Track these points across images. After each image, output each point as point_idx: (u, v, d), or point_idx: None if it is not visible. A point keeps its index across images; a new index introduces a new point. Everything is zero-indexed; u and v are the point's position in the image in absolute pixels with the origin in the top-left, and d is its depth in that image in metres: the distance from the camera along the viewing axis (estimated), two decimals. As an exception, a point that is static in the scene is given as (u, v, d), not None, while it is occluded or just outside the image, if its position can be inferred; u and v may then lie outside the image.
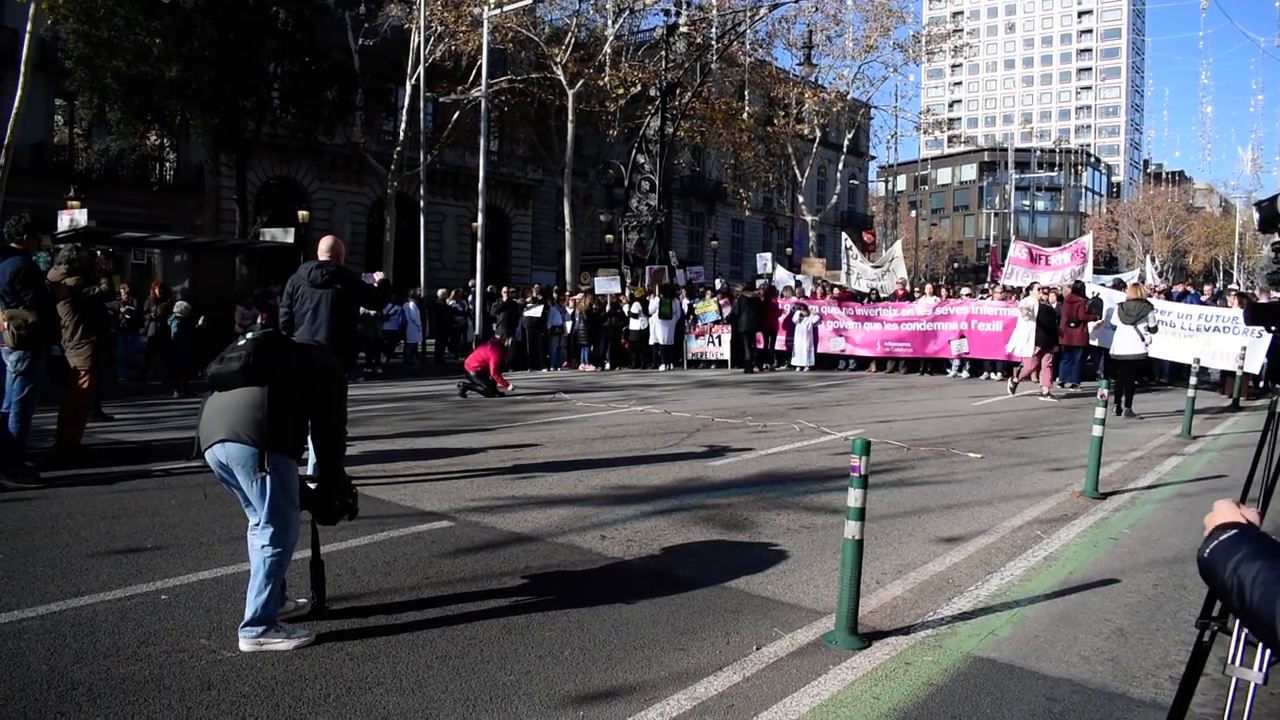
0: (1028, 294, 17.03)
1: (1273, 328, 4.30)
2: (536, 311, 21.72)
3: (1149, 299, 12.61)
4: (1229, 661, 2.39)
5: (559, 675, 3.93)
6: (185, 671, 3.85)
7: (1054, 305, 15.90)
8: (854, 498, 4.35)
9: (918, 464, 8.94)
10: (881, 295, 21.74)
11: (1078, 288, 17.08)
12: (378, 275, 9.97)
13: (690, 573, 5.39)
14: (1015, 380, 15.84)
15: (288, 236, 21.43)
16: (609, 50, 30.21)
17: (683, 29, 29.20)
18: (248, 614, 4.08)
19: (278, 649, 4.07)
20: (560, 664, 4.04)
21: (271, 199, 32.24)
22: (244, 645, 4.07)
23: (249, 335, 4.10)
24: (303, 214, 30.15)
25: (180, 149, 29.67)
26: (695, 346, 21.82)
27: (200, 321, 15.26)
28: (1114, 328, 13.05)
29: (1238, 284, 55.02)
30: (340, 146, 31.05)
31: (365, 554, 5.57)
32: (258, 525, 4.16)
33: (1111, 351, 12.93)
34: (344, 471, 4.37)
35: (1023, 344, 15.64)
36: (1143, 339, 12.12)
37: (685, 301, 22.12)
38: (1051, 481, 8.28)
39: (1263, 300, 14.90)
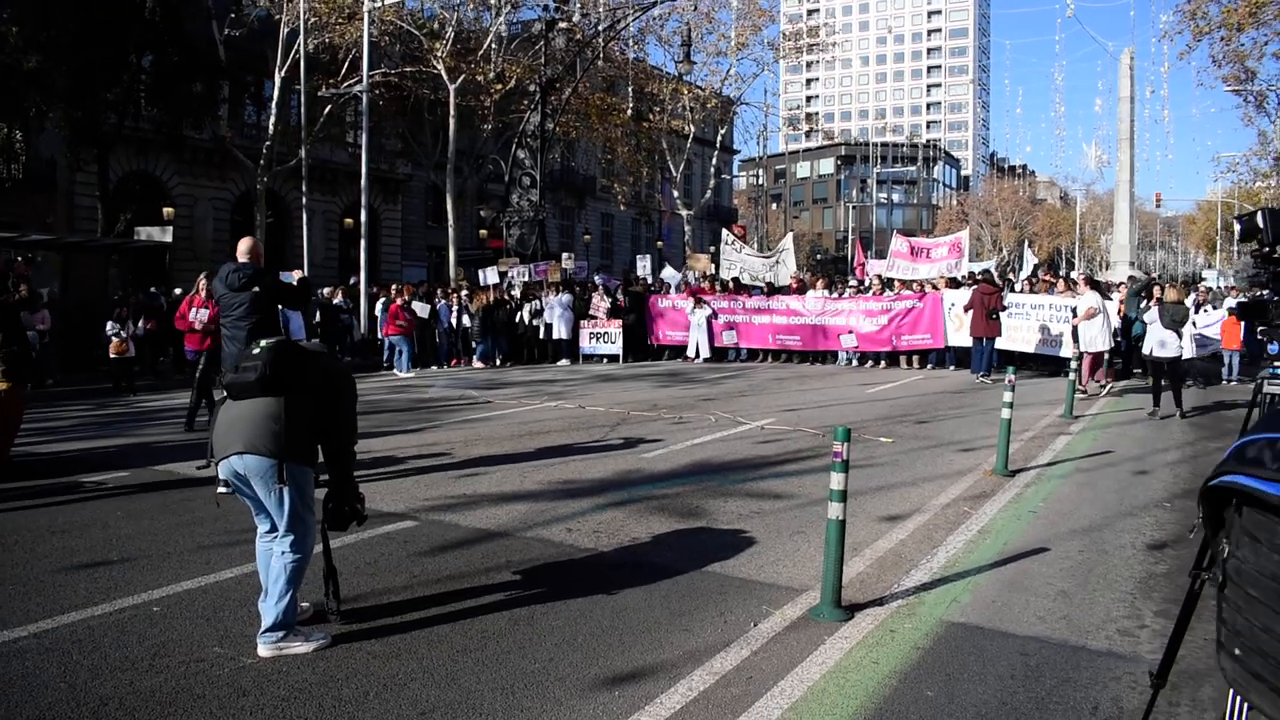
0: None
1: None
2: (424, 310, 21.45)
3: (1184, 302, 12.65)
4: None
5: (580, 661, 4.13)
6: (212, 680, 3.88)
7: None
8: (836, 480, 4.70)
9: (837, 449, 9.41)
10: (776, 286, 22.33)
11: (989, 278, 17.89)
12: (296, 274, 9.81)
13: (665, 560, 5.65)
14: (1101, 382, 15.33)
15: (165, 235, 20.50)
16: (492, 44, 30.03)
17: (563, 25, 29.27)
18: (267, 620, 4.12)
19: (298, 652, 4.13)
20: (578, 650, 4.24)
21: (130, 195, 30.62)
22: (263, 651, 4.11)
23: (264, 343, 4.12)
24: (168, 211, 28.90)
25: (30, 142, 27.85)
26: (588, 340, 21.97)
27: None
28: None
29: (1079, 271, 58.97)
30: (204, 140, 29.75)
31: (342, 556, 5.56)
32: (272, 533, 4.21)
33: (1154, 355, 12.33)
34: (354, 478, 4.45)
35: (1094, 340, 14.94)
36: (1181, 340, 12.16)
37: (590, 296, 22.28)
38: (963, 462, 8.90)
39: (1243, 299, 15.42)
